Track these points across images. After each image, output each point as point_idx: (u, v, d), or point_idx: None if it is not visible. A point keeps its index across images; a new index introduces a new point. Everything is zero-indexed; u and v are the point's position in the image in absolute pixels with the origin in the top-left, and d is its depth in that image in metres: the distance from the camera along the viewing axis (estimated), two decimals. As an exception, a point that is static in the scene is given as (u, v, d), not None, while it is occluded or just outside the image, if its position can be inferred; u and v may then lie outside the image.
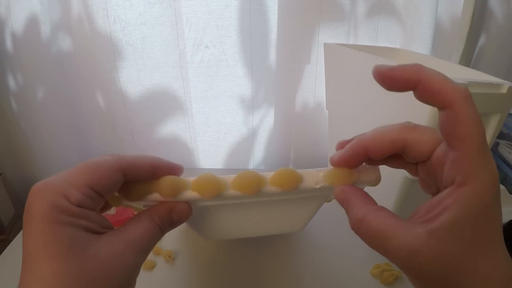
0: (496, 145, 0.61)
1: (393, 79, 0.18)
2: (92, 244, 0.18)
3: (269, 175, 0.22)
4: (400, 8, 0.56)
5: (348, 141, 0.22)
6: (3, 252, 0.40)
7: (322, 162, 0.66)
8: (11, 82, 0.56)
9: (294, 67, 0.58)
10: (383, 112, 0.38)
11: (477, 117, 0.17)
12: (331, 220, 0.44)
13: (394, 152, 0.20)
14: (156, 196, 0.22)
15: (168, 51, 0.54)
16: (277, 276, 0.38)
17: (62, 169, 0.19)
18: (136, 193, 0.22)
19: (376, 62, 0.26)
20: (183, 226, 0.25)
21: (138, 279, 0.21)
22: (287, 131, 0.64)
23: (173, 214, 0.22)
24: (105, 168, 0.20)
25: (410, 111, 0.32)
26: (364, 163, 0.22)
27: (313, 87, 0.60)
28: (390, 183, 0.38)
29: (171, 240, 0.42)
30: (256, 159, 0.67)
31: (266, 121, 0.63)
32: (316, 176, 0.23)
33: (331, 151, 0.27)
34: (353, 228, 0.20)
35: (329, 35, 0.56)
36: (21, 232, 0.31)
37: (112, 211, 0.44)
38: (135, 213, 0.23)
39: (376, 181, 0.23)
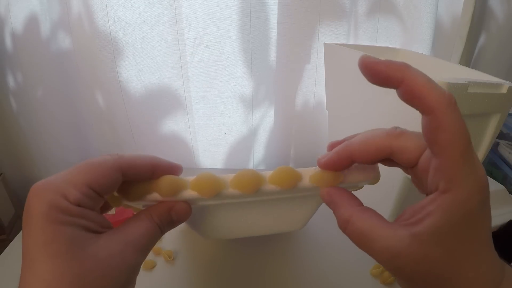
0: (496, 145, 0.61)
1: (376, 73, 0.17)
2: (91, 244, 0.18)
3: (268, 173, 0.22)
4: (400, 8, 0.56)
5: (340, 142, 0.22)
6: (3, 252, 0.40)
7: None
8: (11, 82, 0.56)
9: (294, 67, 0.58)
10: (383, 112, 0.38)
11: (461, 123, 0.16)
12: (331, 219, 0.43)
13: (382, 158, 0.20)
14: (155, 196, 0.22)
15: (168, 50, 0.54)
16: (277, 276, 0.38)
17: (62, 169, 0.19)
18: (135, 192, 0.22)
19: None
20: (183, 226, 0.25)
21: (138, 279, 0.21)
22: (287, 131, 0.64)
23: (173, 214, 0.22)
24: (104, 167, 0.20)
25: (410, 111, 0.31)
26: None
27: (313, 87, 0.60)
28: (390, 182, 0.38)
29: (171, 240, 0.42)
30: (256, 158, 0.67)
31: (266, 120, 0.63)
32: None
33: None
34: (340, 228, 0.20)
35: (329, 35, 0.56)
36: (21, 232, 0.31)
37: (112, 211, 0.44)
38: (135, 213, 0.22)
39: (375, 179, 0.23)
